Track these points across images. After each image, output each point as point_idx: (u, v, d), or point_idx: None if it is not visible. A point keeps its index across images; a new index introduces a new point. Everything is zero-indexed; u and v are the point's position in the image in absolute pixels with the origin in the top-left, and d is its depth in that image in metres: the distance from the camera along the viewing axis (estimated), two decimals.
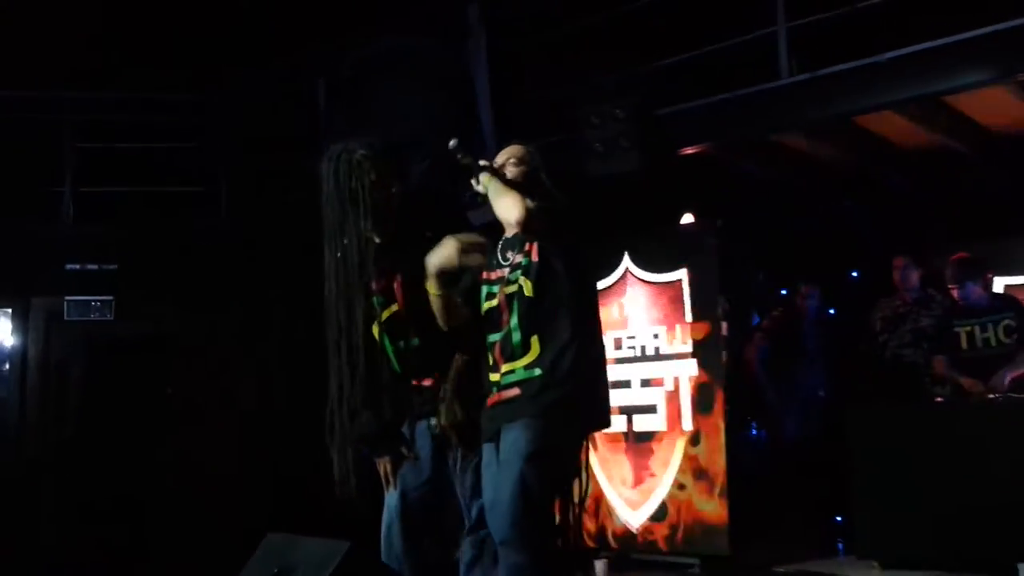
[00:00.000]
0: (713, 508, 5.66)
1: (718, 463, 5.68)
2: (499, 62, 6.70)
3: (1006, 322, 5.38)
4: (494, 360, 3.05)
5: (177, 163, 7.50)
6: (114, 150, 7.45)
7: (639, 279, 6.18)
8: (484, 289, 3.11)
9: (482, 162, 3.10)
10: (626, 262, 6.22)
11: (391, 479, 3.21)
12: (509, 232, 3.10)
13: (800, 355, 6.45)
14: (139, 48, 7.65)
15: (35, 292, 7.11)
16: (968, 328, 5.47)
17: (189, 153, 7.56)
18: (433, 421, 3.17)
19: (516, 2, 6.71)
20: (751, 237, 6.68)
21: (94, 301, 7.02)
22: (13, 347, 7.07)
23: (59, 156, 7.31)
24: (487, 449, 3.03)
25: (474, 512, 3.10)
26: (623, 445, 6.08)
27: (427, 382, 3.18)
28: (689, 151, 6.03)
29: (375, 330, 3.18)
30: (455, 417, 3.09)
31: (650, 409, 5.99)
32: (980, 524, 4.79)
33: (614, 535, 6.05)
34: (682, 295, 5.96)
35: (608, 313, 6.07)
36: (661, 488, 5.88)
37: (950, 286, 5.55)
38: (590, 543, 5.95)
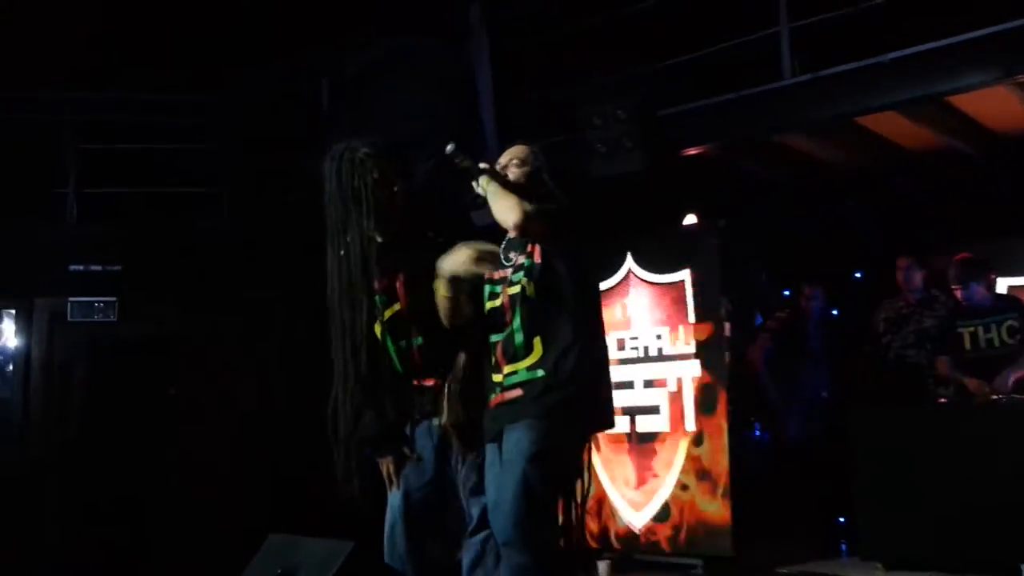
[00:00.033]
0: (716, 509, 5.65)
1: (721, 464, 5.67)
2: (501, 62, 6.70)
3: (1009, 323, 5.37)
4: (496, 360, 3.05)
5: (180, 164, 7.50)
6: (118, 151, 7.46)
7: (642, 280, 6.17)
8: (487, 289, 3.11)
9: (482, 164, 3.10)
10: (629, 263, 6.22)
11: (394, 479, 3.21)
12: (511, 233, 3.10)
13: (804, 356, 6.44)
14: (140, 48, 7.65)
15: (39, 293, 7.11)
16: (971, 329, 5.47)
17: (192, 154, 7.57)
18: (436, 421, 3.17)
19: (518, 2, 6.71)
20: (754, 237, 6.68)
21: (97, 302, 7.03)
22: (17, 348, 7.08)
23: (63, 157, 7.32)
24: (490, 449, 3.03)
25: (476, 513, 3.10)
26: (626, 446, 6.07)
27: (429, 382, 3.19)
28: (692, 152, 6.03)
29: (377, 329, 3.18)
30: (457, 417, 3.09)
31: (653, 410, 5.99)
32: (984, 525, 4.78)
33: (617, 536, 6.05)
34: (685, 296, 5.96)
35: (611, 314, 6.07)
36: (664, 489, 5.88)
37: (953, 286, 5.54)
38: (593, 544, 5.95)
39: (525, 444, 2.89)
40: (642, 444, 6.02)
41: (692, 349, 5.88)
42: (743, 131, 5.92)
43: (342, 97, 7.07)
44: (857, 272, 7.08)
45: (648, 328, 6.10)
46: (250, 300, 7.00)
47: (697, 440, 5.78)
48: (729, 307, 5.94)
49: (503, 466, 2.94)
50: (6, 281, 6.97)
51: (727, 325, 5.90)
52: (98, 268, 7.11)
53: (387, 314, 3.21)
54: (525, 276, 3.00)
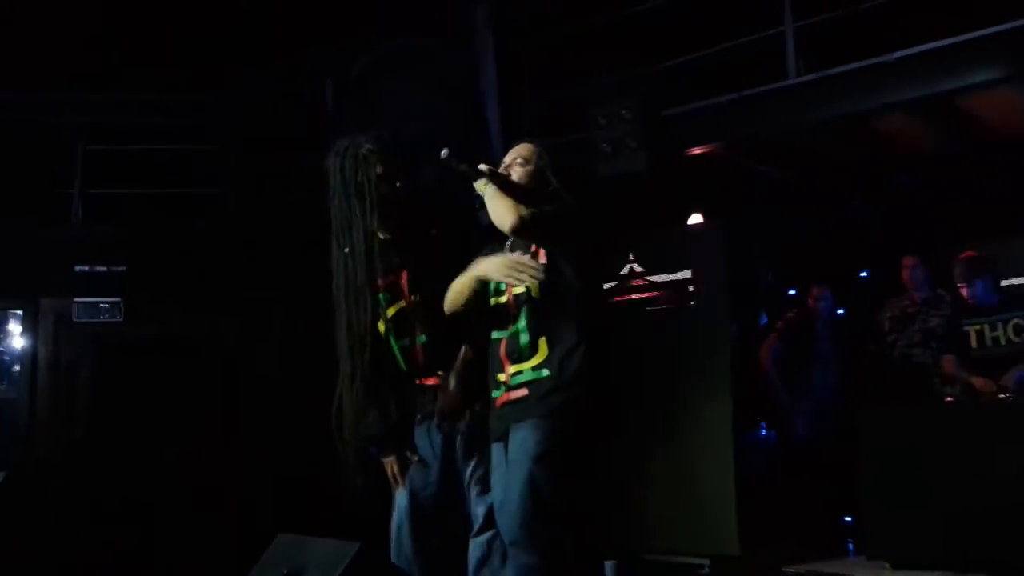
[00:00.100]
0: (723, 508, 5.65)
1: (728, 463, 5.66)
2: (506, 62, 6.70)
3: (1015, 321, 5.36)
4: (499, 358, 3.05)
5: (182, 164, 7.51)
6: (123, 152, 7.46)
7: (646, 279, 6.16)
8: (492, 284, 3.11)
9: (482, 166, 3.08)
10: (632, 263, 6.21)
11: (399, 479, 3.21)
12: None
13: (815, 357, 6.44)
14: (140, 48, 7.65)
15: (44, 294, 7.12)
16: (977, 327, 5.45)
17: (193, 154, 7.58)
18: (445, 427, 3.17)
19: (523, 2, 6.71)
20: (759, 237, 6.67)
21: (103, 303, 7.04)
22: (23, 349, 7.09)
23: (68, 158, 7.33)
24: (496, 449, 3.03)
25: (482, 513, 3.10)
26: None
27: (431, 381, 3.18)
28: (696, 151, 6.03)
29: (380, 327, 3.18)
30: (453, 405, 3.09)
31: None
32: (991, 524, 4.76)
33: (623, 535, 6.04)
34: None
35: None
36: (671, 487, 5.87)
37: (959, 284, 5.53)
38: (599, 544, 5.95)
39: (531, 444, 2.90)
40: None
41: None
42: (748, 131, 5.92)
43: (347, 97, 7.07)
44: (863, 271, 7.08)
45: None
46: (250, 300, 7.01)
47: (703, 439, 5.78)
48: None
49: (509, 466, 2.95)
50: (12, 282, 6.98)
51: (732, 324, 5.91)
52: (103, 269, 7.12)
53: (390, 312, 3.21)
54: None
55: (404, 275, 3.22)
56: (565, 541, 2.99)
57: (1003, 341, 5.39)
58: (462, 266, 3.11)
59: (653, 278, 6.13)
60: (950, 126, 5.78)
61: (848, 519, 5.96)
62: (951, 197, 6.46)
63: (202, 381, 6.97)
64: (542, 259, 3.01)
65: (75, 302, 7.03)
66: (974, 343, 5.46)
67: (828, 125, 5.78)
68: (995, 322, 5.41)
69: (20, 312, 7.11)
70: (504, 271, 2.93)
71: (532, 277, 2.91)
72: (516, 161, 3.19)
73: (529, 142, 3.25)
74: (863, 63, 5.34)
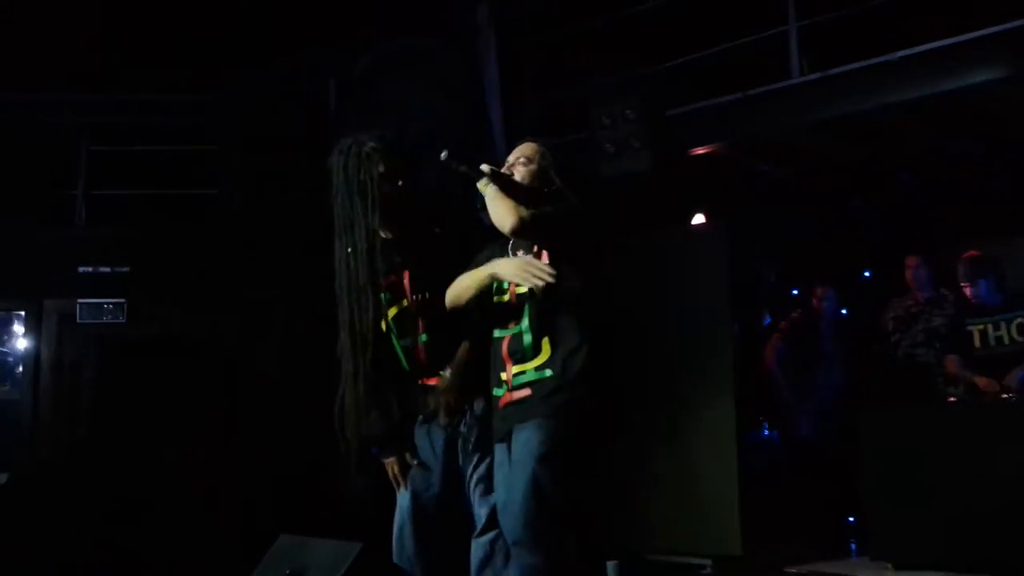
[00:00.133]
0: (725, 508, 5.64)
1: (730, 463, 5.66)
2: (509, 62, 6.70)
3: (1019, 320, 5.35)
4: (501, 357, 3.05)
5: (182, 164, 7.51)
6: (127, 153, 7.47)
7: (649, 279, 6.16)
8: (495, 283, 3.10)
9: (483, 166, 3.08)
10: (635, 262, 6.20)
11: (401, 480, 3.21)
12: None
13: (819, 357, 6.43)
14: (140, 48, 7.65)
15: (48, 295, 7.13)
16: (981, 327, 5.45)
17: (193, 154, 7.58)
18: (443, 420, 3.17)
19: (525, 2, 6.71)
20: (762, 237, 6.67)
21: (106, 304, 7.04)
22: (26, 349, 7.10)
23: (72, 159, 7.34)
24: (499, 449, 3.03)
25: (485, 513, 3.10)
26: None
27: (433, 381, 3.18)
28: (700, 151, 6.02)
29: (382, 327, 3.18)
30: (451, 401, 3.09)
31: None
32: (994, 525, 4.75)
33: (626, 535, 6.03)
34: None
35: None
36: (673, 488, 5.87)
37: (962, 284, 5.52)
38: (602, 544, 5.94)
39: (534, 444, 2.90)
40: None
41: None
42: (751, 130, 5.91)
43: (350, 97, 7.07)
44: (866, 271, 7.07)
45: None
46: (251, 300, 7.01)
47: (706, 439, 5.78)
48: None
49: (512, 466, 2.95)
50: (15, 283, 6.99)
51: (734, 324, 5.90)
52: (107, 270, 7.13)
53: (392, 312, 3.20)
54: None
55: (406, 275, 3.22)
56: (568, 541, 2.99)
57: (1006, 341, 5.38)
58: (463, 266, 3.11)
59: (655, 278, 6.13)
60: (953, 125, 5.77)
61: (851, 519, 5.96)
62: (954, 197, 6.45)
63: (204, 381, 6.98)
64: (544, 259, 3.01)
65: (79, 303, 7.04)
66: (977, 343, 5.45)
67: (832, 124, 5.77)
68: (998, 322, 5.40)
69: (23, 313, 7.12)
70: (522, 274, 2.93)
71: (547, 281, 2.91)
72: (519, 160, 3.18)
73: (533, 141, 3.25)
74: (866, 62, 5.33)
